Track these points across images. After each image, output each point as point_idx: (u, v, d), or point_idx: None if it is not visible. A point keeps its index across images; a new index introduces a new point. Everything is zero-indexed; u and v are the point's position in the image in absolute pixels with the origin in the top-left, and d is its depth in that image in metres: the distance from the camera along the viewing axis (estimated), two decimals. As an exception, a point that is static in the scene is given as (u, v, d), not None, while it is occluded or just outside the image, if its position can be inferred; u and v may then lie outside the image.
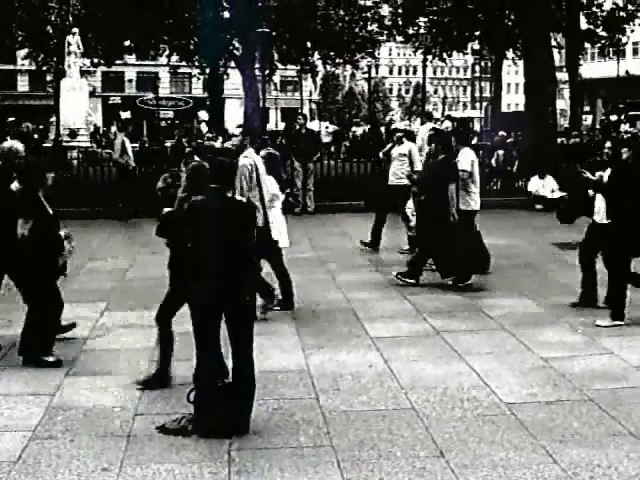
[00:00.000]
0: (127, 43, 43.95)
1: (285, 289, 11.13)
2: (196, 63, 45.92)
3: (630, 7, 42.42)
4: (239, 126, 44.46)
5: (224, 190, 6.99)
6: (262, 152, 11.61)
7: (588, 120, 58.65)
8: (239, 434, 6.76)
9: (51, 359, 8.73)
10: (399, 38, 49.55)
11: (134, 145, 26.63)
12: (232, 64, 45.32)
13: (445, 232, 12.18)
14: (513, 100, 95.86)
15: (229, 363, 6.97)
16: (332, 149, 39.49)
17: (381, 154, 17.34)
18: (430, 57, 52.69)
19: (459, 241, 12.23)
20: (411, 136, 17.66)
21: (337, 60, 48.40)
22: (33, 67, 51.38)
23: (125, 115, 60.23)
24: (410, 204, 14.87)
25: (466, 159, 13.03)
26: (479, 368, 8.45)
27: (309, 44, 45.10)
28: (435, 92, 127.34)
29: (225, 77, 49.52)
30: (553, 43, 34.39)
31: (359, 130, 58.35)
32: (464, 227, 12.62)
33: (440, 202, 12.26)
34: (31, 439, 6.80)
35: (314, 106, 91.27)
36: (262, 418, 7.12)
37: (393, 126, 16.87)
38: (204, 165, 7.80)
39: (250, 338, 6.95)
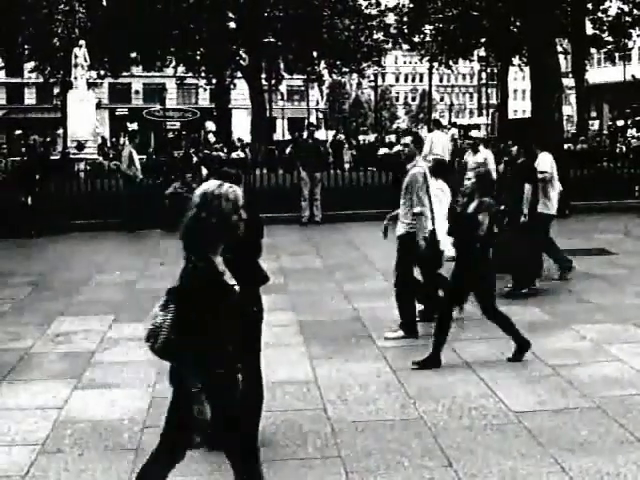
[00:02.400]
0: (133, 55, 44.14)
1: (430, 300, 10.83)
2: (202, 74, 46.06)
3: (636, 12, 42.38)
4: (239, 140, 44.58)
5: None
6: None
7: (595, 125, 58.61)
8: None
9: None
10: (405, 46, 49.68)
11: (141, 157, 26.68)
12: (239, 74, 45.47)
13: (517, 236, 12.06)
14: (520, 106, 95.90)
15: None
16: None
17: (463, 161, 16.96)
18: (436, 65, 52.76)
19: (527, 244, 12.19)
20: (486, 143, 17.26)
21: (343, 69, 48.53)
22: (40, 80, 51.49)
23: (132, 127, 60.48)
24: None
25: (546, 162, 13.09)
26: (487, 377, 8.43)
27: (315, 53, 45.23)
28: (441, 99, 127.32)
29: (232, 87, 49.64)
30: (559, 49, 34.41)
31: (369, 138, 58.39)
32: (539, 231, 12.62)
33: (515, 204, 12.24)
34: (40, 453, 6.80)
35: (321, 115, 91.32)
36: (270, 429, 7.12)
37: (475, 134, 16.48)
38: (489, 171, 7.91)
39: (257, 349, 6.95)
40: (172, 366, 4.98)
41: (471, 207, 8.92)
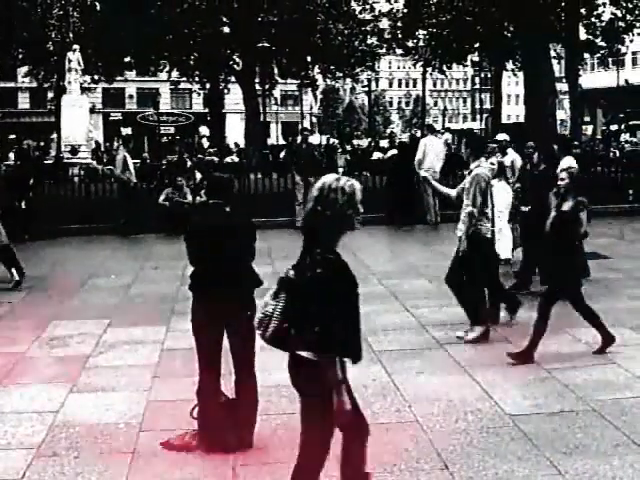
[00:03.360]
0: (127, 59, 44.12)
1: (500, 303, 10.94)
2: (196, 78, 46.06)
3: (629, 17, 42.43)
4: (236, 144, 44.60)
5: (224, 205, 7.00)
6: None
7: (588, 130, 58.72)
8: (243, 449, 6.76)
9: None
10: (399, 51, 49.64)
11: (135, 161, 26.68)
12: (232, 79, 45.48)
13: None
14: (513, 111, 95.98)
15: (231, 378, 6.98)
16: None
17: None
18: (430, 69, 52.79)
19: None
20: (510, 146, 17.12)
21: (337, 74, 48.57)
22: (34, 84, 51.53)
23: (126, 131, 60.45)
24: None
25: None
26: (482, 380, 8.44)
27: (309, 58, 45.26)
28: (435, 104, 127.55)
29: (226, 92, 49.66)
30: (552, 54, 34.53)
31: (361, 142, 58.40)
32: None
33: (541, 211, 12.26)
34: (35, 456, 6.80)
35: (315, 120, 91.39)
36: (266, 433, 7.12)
37: (502, 137, 16.38)
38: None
39: (251, 353, 6.95)
40: (290, 356, 5.09)
41: (567, 206, 9.16)
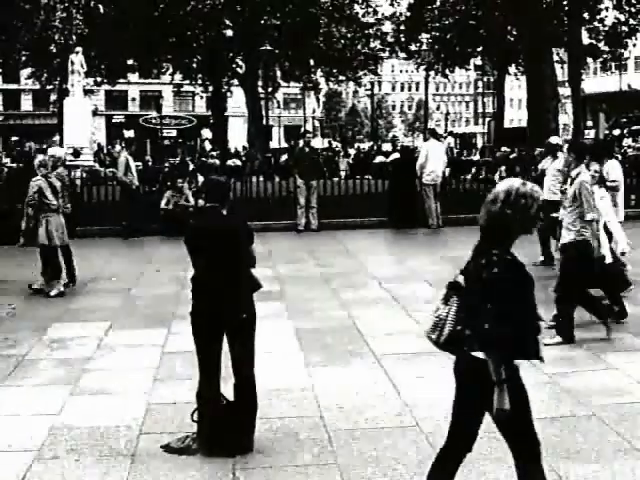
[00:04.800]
0: (130, 62, 44.16)
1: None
2: (199, 81, 46.09)
3: (632, 22, 42.44)
4: (245, 148, 44.46)
5: (220, 208, 7.00)
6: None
7: (591, 135, 58.70)
8: (243, 453, 6.76)
9: None
10: (401, 55, 49.71)
11: (137, 164, 26.68)
12: (235, 82, 45.52)
13: None
14: (516, 115, 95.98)
15: (230, 381, 6.98)
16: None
17: (539, 167, 16.76)
18: (432, 73, 52.84)
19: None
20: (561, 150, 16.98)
21: (340, 77, 48.58)
22: (37, 86, 51.55)
23: (128, 134, 60.50)
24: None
25: (615, 169, 13.13)
26: (483, 384, 8.42)
27: (312, 61, 45.28)
28: (438, 108, 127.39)
29: (228, 95, 49.69)
30: (555, 58, 34.52)
31: (362, 146, 58.43)
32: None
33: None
34: (35, 459, 6.79)
35: (317, 123, 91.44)
36: (266, 437, 7.11)
37: (554, 141, 16.30)
38: None
39: (251, 356, 6.95)
40: (458, 358, 5.11)
41: None
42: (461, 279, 5.09)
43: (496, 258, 4.91)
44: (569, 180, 10.50)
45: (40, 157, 15.20)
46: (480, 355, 4.90)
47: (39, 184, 13.74)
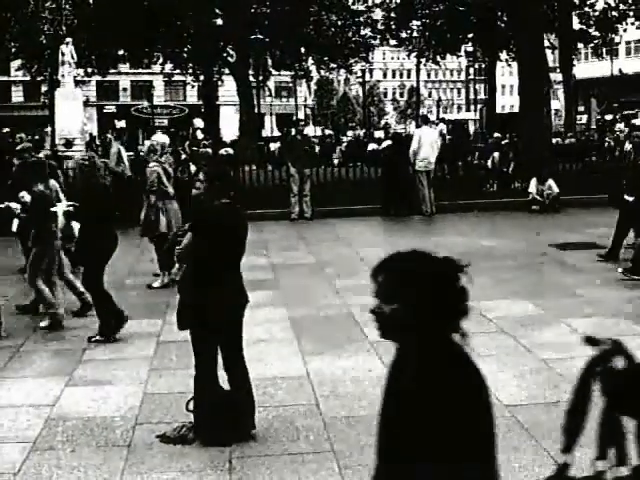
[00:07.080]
0: (121, 52, 44.00)
1: None
2: (190, 71, 45.97)
3: (622, 7, 42.46)
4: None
5: (235, 204, 6.96)
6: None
7: (583, 120, 58.74)
8: (239, 442, 6.75)
9: None
10: (392, 42, 49.61)
11: (129, 154, 26.59)
12: (226, 71, 45.40)
13: None
14: (508, 102, 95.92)
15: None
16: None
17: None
18: (424, 60, 52.75)
19: None
20: None
21: (331, 65, 48.46)
22: (27, 78, 51.36)
23: (120, 124, 60.28)
24: None
25: None
26: (479, 370, 8.42)
27: (303, 49, 45.18)
28: (429, 95, 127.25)
29: (220, 84, 49.58)
30: (546, 44, 34.46)
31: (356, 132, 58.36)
32: None
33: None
34: (31, 450, 6.78)
35: (309, 111, 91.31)
36: (263, 425, 7.11)
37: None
38: None
39: (239, 340, 6.93)
40: None
41: None
42: None
43: None
44: None
45: (147, 142, 14.50)
46: None
47: (157, 169, 12.97)
